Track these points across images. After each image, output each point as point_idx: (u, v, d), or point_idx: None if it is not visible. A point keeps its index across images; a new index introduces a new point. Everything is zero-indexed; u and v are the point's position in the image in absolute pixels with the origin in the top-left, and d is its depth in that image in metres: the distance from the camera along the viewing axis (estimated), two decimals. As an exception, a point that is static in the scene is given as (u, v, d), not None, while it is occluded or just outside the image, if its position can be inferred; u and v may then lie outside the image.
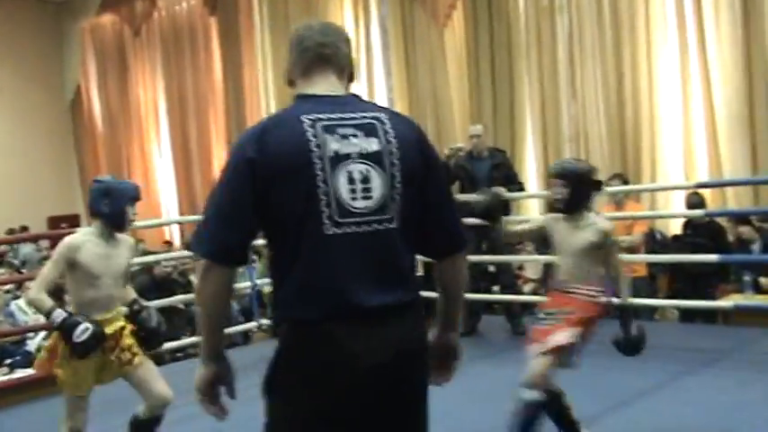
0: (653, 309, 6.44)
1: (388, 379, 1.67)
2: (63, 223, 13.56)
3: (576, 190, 3.21)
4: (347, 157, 1.67)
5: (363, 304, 1.65)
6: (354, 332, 1.64)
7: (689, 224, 6.46)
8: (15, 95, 14.20)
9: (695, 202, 6.40)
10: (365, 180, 1.68)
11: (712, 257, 5.45)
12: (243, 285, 6.06)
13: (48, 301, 3.09)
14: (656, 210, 7.68)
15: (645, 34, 8.07)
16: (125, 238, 3.32)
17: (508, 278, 6.17)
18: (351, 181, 1.66)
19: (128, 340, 3.30)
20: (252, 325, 6.31)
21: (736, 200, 7.40)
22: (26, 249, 11.62)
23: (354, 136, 1.69)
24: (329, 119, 1.69)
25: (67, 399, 3.18)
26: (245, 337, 6.81)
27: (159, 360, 5.84)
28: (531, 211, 8.73)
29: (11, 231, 12.14)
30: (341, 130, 1.69)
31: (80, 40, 14.43)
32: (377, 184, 1.68)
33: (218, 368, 1.76)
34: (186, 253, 8.39)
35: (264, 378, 1.72)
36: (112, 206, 3.16)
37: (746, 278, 6.07)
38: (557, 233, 3.30)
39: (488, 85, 9.39)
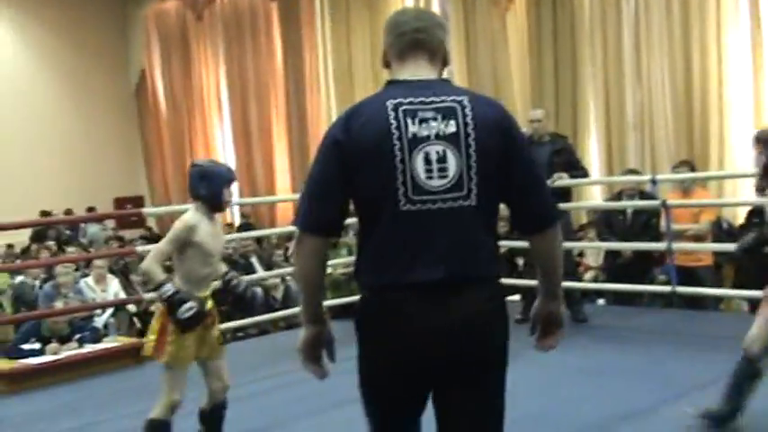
0: (718, 299, 6.26)
1: (448, 348, 1.76)
2: (128, 204, 13.98)
3: None
4: (426, 138, 1.77)
5: (429, 278, 1.76)
6: (419, 302, 1.76)
7: (753, 212, 6.25)
8: (82, 80, 14.62)
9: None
10: (441, 160, 1.77)
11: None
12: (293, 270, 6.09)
13: (161, 274, 3.19)
14: (723, 198, 7.45)
15: (715, 18, 7.81)
16: (218, 218, 3.46)
17: (569, 265, 6.06)
18: (427, 162, 1.77)
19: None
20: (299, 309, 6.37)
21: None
22: (93, 229, 12.01)
23: (434, 119, 1.78)
24: (411, 103, 1.79)
25: (169, 372, 3.22)
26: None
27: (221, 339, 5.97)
28: (594, 197, 8.58)
29: (68, 212, 12.48)
30: (421, 114, 1.79)
31: (144, 25, 14.75)
32: (452, 164, 1.77)
33: (319, 330, 1.90)
34: (246, 234, 8.57)
35: (354, 324, 1.88)
36: (210, 188, 3.29)
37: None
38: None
39: (551, 70, 9.24)
